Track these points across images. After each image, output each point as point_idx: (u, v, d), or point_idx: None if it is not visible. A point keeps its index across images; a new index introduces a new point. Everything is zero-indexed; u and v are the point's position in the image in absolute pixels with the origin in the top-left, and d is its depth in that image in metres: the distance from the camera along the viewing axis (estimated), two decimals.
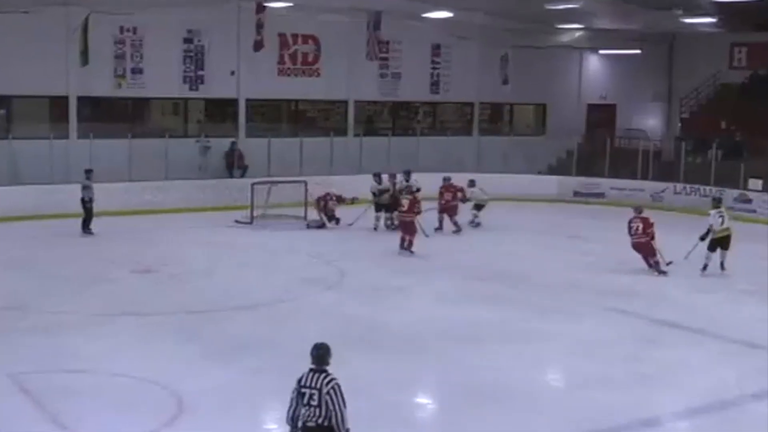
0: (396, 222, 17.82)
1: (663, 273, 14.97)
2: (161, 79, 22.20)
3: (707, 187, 22.49)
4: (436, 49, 26.40)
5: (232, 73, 23.16)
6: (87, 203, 17.81)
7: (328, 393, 6.24)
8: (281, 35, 23.85)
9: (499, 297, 13.34)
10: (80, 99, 21.50)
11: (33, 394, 8.90)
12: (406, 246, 16.27)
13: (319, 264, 15.66)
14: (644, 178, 24.13)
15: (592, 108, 29.06)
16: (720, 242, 15.18)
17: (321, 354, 6.42)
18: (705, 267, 15.05)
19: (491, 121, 28.44)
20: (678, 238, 15.73)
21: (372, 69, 25.05)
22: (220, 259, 15.98)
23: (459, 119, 27.76)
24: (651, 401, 9.26)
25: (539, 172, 25.99)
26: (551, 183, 25.07)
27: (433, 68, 26.47)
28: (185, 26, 22.46)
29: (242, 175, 22.50)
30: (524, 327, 11.75)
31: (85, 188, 17.82)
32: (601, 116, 28.76)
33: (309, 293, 13.58)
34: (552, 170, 26.49)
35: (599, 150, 25.19)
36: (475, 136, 27.06)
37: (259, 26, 22.59)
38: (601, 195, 24.37)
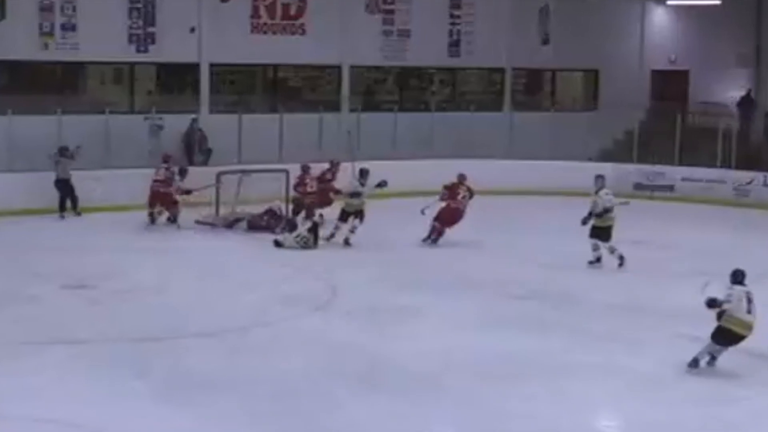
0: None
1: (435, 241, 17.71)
2: (100, 37, 22.21)
3: None
4: None
5: (192, 29, 23.16)
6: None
7: None
8: None
9: (537, 321, 13.32)
10: None
11: None
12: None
13: (304, 277, 15.67)
14: (725, 165, 24.12)
15: (658, 75, 29.11)
16: (601, 231, 16.45)
17: None
18: (598, 259, 16.50)
19: (527, 93, 28.50)
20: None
21: (373, 25, 25.08)
22: (175, 270, 15.98)
23: (486, 90, 27.83)
24: None
25: (589, 159, 25.90)
26: (605, 172, 24.60)
27: (452, 24, 26.49)
28: None
29: (205, 162, 22.53)
30: (570, 360, 11.72)
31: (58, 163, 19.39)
32: (670, 86, 28.78)
33: (291, 315, 13.55)
34: (606, 156, 26.48)
35: (667, 130, 25.17)
36: (507, 112, 27.06)
37: None
38: (669, 188, 24.37)
